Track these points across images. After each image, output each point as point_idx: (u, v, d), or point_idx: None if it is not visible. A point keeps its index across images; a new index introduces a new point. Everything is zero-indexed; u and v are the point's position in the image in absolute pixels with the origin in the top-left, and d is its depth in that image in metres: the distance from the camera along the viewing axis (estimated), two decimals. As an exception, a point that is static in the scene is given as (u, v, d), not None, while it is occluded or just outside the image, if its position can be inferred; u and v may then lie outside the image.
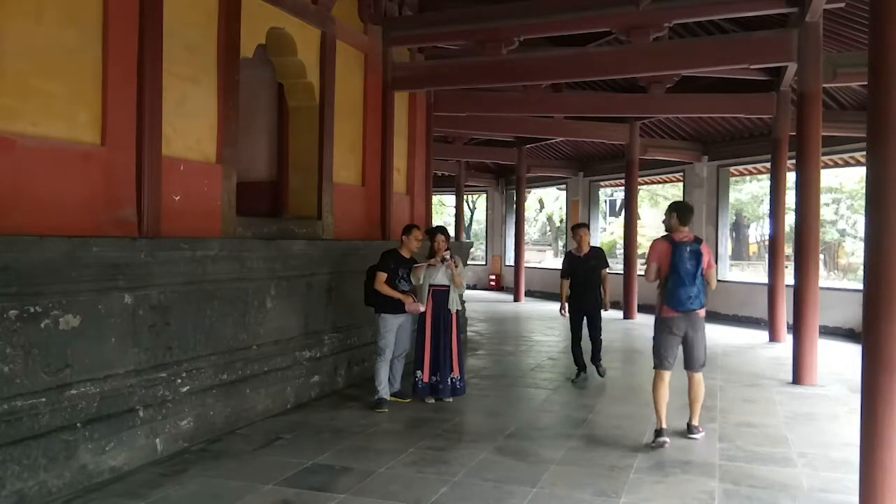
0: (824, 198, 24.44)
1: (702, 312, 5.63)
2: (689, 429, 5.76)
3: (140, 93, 5.18)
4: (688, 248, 5.57)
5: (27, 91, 4.42)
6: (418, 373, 6.77)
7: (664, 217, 5.96)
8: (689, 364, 5.71)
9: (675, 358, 5.69)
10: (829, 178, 23.65)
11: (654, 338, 5.80)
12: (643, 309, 15.15)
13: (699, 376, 5.75)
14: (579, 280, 8.02)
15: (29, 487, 4.06)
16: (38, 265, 4.10)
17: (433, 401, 6.77)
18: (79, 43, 4.76)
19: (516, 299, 18.38)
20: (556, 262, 28.03)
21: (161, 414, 5.04)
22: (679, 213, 5.83)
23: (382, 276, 6.64)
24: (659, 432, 5.52)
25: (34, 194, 4.42)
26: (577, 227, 8.31)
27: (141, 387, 4.91)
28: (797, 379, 7.92)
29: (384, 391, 6.62)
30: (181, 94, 5.67)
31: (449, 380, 6.81)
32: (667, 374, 5.70)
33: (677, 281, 5.51)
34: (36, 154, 4.45)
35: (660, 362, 5.74)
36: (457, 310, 6.90)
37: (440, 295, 6.84)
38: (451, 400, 6.81)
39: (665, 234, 5.83)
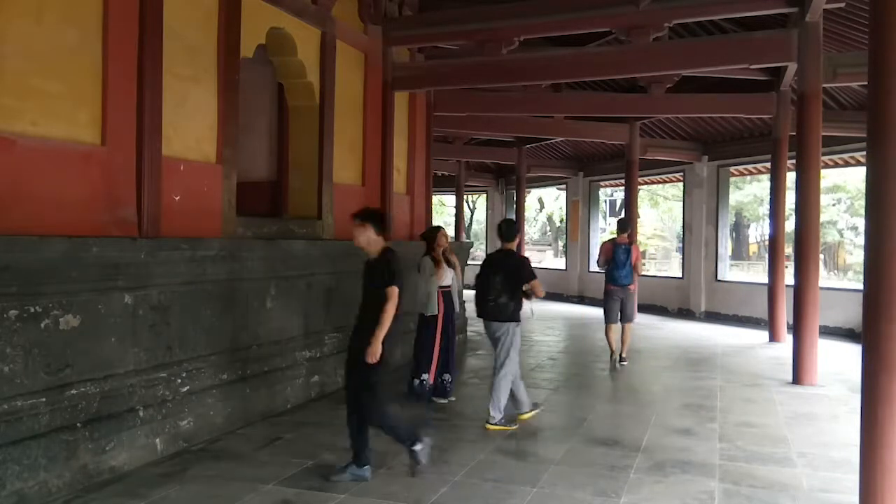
0: (829, 198, 24.52)
1: (632, 287, 8.90)
2: (620, 359, 8.80)
3: (140, 93, 5.19)
4: (623, 247, 8.78)
5: (27, 91, 4.42)
6: (424, 375, 6.76)
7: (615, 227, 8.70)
8: (624, 318, 8.91)
9: (617, 315, 8.83)
10: (836, 177, 23.69)
11: (604, 304, 8.98)
12: (643, 309, 15.17)
13: (629, 325, 9.01)
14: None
15: (29, 487, 4.06)
16: (38, 265, 4.10)
17: (440, 401, 6.78)
18: (79, 43, 4.76)
19: (516, 299, 18.33)
20: (557, 262, 28.08)
21: (161, 414, 5.04)
22: (618, 225, 9.33)
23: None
24: (613, 355, 8.88)
25: (34, 194, 4.42)
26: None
27: (141, 387, 4.91)
28: (797, 379, 7.92)
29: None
30: (181, 94, 5.67)
31: (442, 380, 6.84)
32: (614, 326, 8.88)
33: (615, 267, 8.77)
34: (36, 154, 4.45)
35: (608, 319, 8.92)
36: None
37: (447, 296, 6.86)
38: (453, 399, 6.82)
39: (611, 238, 9.27)
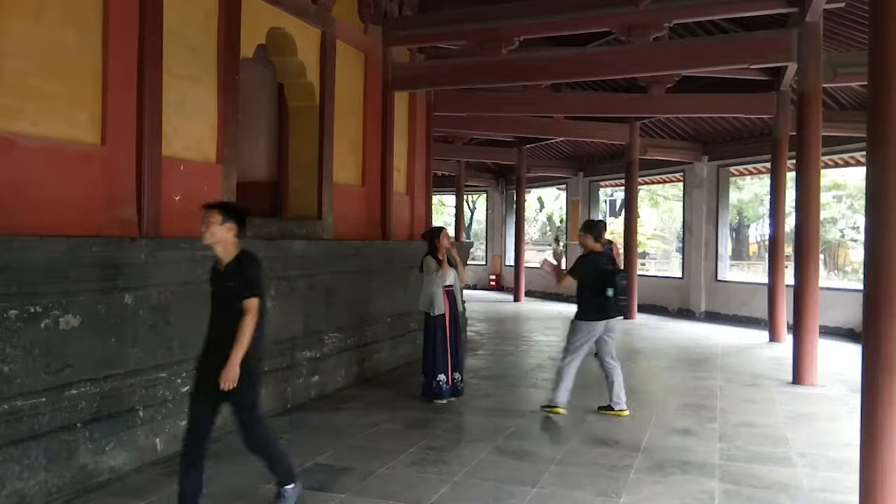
0: (829, 195, 24.49)
1: None
2: None
3: (140, 93, 5.19)
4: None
5: (27, 91, 4.42)
6: (441, 376, 6.76)
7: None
8: None
9: None
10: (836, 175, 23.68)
11: None
12: (643, 309, 15.19)
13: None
14: None
15: (29, 487, 4.06)
16: (38, 265, 4.10)
17: (446, 401, 6.78)
18: (79, 43, 4.76)
19: (516, 299, 18.38)
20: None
21: (161, 414, 5.04)
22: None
23: None
24: None
25: (34, 194, 4.42)
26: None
27: (141, 387, 4.91)
28: (797, 379, 7.92)
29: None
30: (181, 94, 5.67)
31: (453, 379, 6.85)
32: None
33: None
34: (36, 154, 4.46)
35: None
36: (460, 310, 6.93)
37: (451, 296, 6.87)
38: (452, 399, 6.83)
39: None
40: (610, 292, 6.11)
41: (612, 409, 6.38)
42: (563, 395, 6.31)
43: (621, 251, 14.41)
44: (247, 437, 3.91)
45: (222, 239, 3.91)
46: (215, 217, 3.90)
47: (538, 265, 24.61)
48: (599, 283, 6.18)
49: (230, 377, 3.71)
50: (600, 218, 18.33)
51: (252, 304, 3.81)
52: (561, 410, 6.28)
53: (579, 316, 6.37)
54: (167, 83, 5.43)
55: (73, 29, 4.72)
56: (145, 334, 4.99)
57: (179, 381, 5.24)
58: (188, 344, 5.39)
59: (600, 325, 6.30)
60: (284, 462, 4.06)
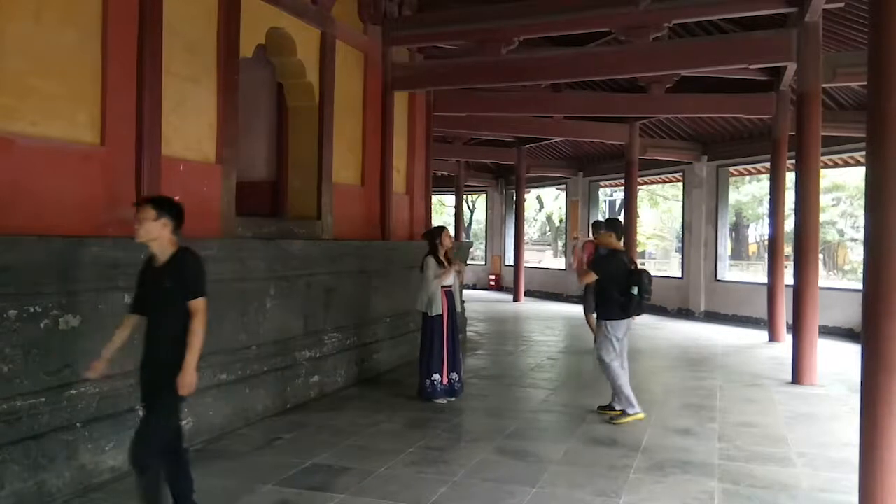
0: (827, 197, 24.49)
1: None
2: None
3: (140, 93, 5.18)
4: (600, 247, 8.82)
5: (27, 91, 4.42)
6: (436, 376, 6.75)
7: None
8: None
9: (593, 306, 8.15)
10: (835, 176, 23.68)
11: (583, 296, 9.69)
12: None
13: None
14: None
15: (28, 487, 4.05)
16: (37, 265, 4.09)
17: (445, 401, 6.78)
18: (78, 42, 4.76)
19: (516, 299, 18.38)
20: (556, 262, 28.07)
21: (161, 414, 5.03)
22: (594, 226, 8.56)
23: None
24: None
25: (34, 194, 4.42)
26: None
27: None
28: (797, 379, 7.92)
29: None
30: (181, 94, 5.67)
31: (450, 380, 6.85)
32: (593, 315, 8.12)
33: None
34: (36, 154, 4.45)
35: (587, 309, 9.52)
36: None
37: (450, 296, 6.87)
38: (452, 399, 6.83)
39: (589, 238, 9.81)
40: (635, 290, 6.09)
41: (614, 410, 6.37)
42: (632, 400, 6.18)
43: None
44: (144, 435, 3.57)
45: (157, 236, 3.63)
46: (148, 213, 3.61)
47: (537, 264, 24.67)
48: (624, 282, 6.15)
49: (187, 382, 3.54)
50: (599, 218, 18.38)
51: (200, 304, 3.60)
52: (641, 416, 6.16)
53: (604, 315, 6.32)
54: (167, 83, 5.42)
55: (72, 28, 4.71)
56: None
57: (179, 381, 5.23)
58: (188, 344, 5.39)
59: (625, 324, 6.29)
60: (187, 489, 3.73)
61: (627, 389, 6.20)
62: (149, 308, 3.71)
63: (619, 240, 6.51)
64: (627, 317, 6.29)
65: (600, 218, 14.57)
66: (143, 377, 3.74)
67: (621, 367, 6.27)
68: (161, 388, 3.58)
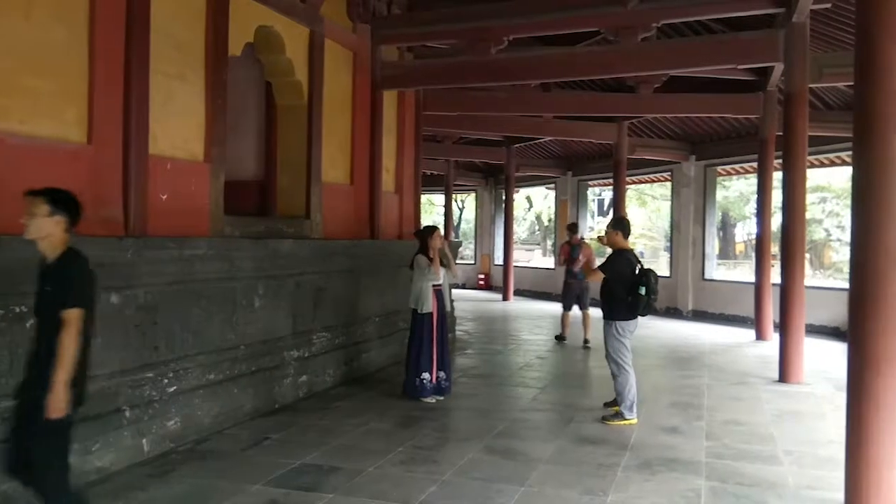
0: (814, 196, 24.65)
1: (587, 281, 9.28)
2: (585, 341, 10.15)
3: (127, 91, 5.16)
4: (576, 247, 10.34)
5: (14, 89, 4.39)
6: (425, 374, 6.74)
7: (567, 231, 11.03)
8: (581, 306, 10.37)
9: (573, 304, 10.47)
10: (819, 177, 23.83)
11: (563, 294, 10.66)
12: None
13: (588, 313, 10.28)
14: None
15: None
16: (22, 265, 4.04)
17: (434, 400, 6.77)
18: (66, 41, 4.73)
19: (505, 298, 18.40)
20: (545, 262, 28.12)
21: (148, 414, 5.01)
22: (569, 228, 10.97)
23: None
24: (562, 335, 10.74)
25: (20, 193, 4.36)
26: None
27: (127, 387, 4.88)
28: (783, 377, 7.97)
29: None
30: (168, 93, 5.63)
31: (438, 378, 6.84)
32: (569, 313, 10.63)
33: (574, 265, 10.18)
34: (23, 152, 4.42)
35: (565, 307, 10.63)
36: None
37: (440, 294, 6.87)
38: (441, 398, 6.83)
39: (567, 240, 10.88)
40: (643, 290, 5.99)
41: (617, 406, 6.32)
42: (633, 407, 6.13)
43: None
44: (37, 478, 3.17)
45: (49, 234, 3.14)
46: (41, 207, 3.13)
47: (526, 263, 24.69)
48: (632, 282, 6.06)
49: (56, 404, 3.02)
50: (588, 217, 18.40)
51: (72, 315, 3.05)
52: (634, 422, 6.08)
53: (611, 316, 6.21)
54: (154, 81, 5.39)
55: (60, 27, 4.68)
56: (132, 334, 4.95)
57: (166, 381, 5.21)
58: (175, 343, 5.37)
59: (633, 324, 6.21)
60: None
61: (633, 395, 6.13)
62: (38, 318, 3.22)
63: (626, 239, 6.37)
64: (635, 317, 6.19)
65: (588, 217, 14.59)
66: (23, 394, 3.22)
67: (631, 373, 6.17)
68: (38, 411, 3.06)
